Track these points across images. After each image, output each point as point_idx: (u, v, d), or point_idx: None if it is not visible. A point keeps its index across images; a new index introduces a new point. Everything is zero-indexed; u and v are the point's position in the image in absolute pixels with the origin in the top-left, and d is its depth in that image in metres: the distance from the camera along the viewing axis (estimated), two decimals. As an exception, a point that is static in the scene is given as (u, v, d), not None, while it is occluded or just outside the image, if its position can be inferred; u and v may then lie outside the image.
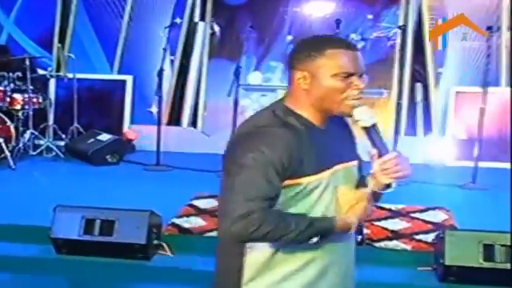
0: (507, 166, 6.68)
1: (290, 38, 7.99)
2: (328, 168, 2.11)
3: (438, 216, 4.97)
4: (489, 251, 4.03)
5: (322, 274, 2.16)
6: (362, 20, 7.86)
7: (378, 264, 4.30)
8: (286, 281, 2.14)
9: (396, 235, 4.62)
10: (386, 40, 7.76)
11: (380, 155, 2.08)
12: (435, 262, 4.17)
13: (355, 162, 2.23)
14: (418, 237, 4.59)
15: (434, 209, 5.11)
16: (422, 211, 5.07)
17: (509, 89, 6.93)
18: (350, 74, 2.06)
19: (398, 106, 6.61)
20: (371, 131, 2.09)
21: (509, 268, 3.96)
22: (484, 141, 6.23)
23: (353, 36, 7.77)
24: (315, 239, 2.04)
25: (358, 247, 2.35)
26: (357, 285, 2.31)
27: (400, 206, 5.13)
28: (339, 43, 2.10)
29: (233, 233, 1.99)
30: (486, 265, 4.01)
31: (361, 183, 2.21)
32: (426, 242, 4.48)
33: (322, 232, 2.05)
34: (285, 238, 2.00)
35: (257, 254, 2.12)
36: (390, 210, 5.08)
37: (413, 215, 5.00)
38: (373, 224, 4.80)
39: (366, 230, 4.60)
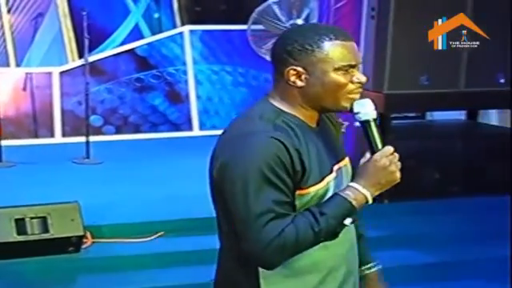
0: (28, 142, 7.13)
1: None
2: (330, 172, 1.93)
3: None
4: (21, 225, 4.35)
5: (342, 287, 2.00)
6: None
7: None
8: None
9: None
10: None
11: (378, 149, 1.89)
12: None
13: (347, 159, 2.05)
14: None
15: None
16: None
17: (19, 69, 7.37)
18: (352, 67, 1.87)
19: None
20: (373, 125, 1.91)
21: (42, 238, 4.41)
22: (3, 119, 6.54)
23: None
24: (347, 221, 1.85)
25: None
26: None
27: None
28: (335, 33, 1.88)
29: (267, 263, 1.83)
30: (20, 238, 4.33)
31: None
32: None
33: (341, 212, 1.84)
34: (314, 238, 1.81)
35: (273, 272, 1.86)
36: None
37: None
38: None
39: None
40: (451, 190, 5.57)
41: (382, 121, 5.48)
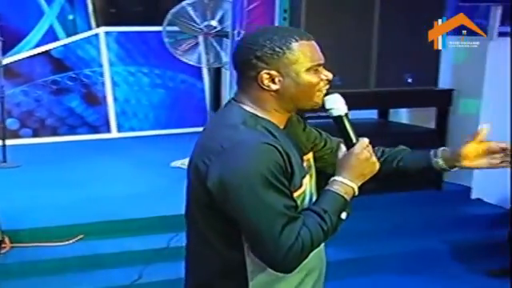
0: None
1: None
2: (306, 173, 1.98)
3: None
4: None
5: (315, 285, 2.06)
6: None
7: None
8: None
9: None
10: None
11: (353, 143, 1.96)
12: None
13: (311, 153, 2.11)
14: None
15: None
16: None
17: None
18: (320, 65, 1.93)
19: None
20: (345, 119, 1.97)
21: None
22: None
23: None
24: (344, 215, 1.89)
25: None
26: None
27: None
28: (298, 34, 1.91)
29: (288, 269, 1.82)
30: None
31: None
32: None
33: (338, 208, 1.88)
34: (324, 237, 1.85)
35: (261, 275, 1.91)
36: None
37: None
38: None
39: None
40: (366, 187, 5.73)
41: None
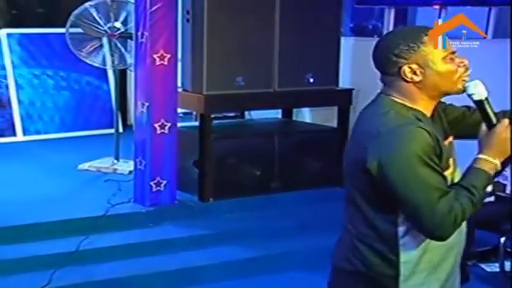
0: None
1: None
2: (449, 156, 2.16)
3: None
4: None
5: (455, 262, 2.27)
6: None
7: None
8: (436, 271, 2.18)
9: None
10: None
11: (494, 124, 2.13)
12: None
13: (451, 136, 2.27)
14: None
15: None
16: None
17: None
18: (453, 53, 2.13)
19: None
20: (486, 103, 2.15)
21: None
22: None
23: None
24: (489, 189, 2.12)
25: None
26: None
27: None
28: (424, 30, 2.11)
29: (444, 235, 2.04)
30: None
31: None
32: None
33: (484, 183, 2.09)
34: (473, 209, 2.06)
35: (410, 247, 2.13)
36: None
37: None
38: None
39: None
40: (271, 186, 5.84)
41: (204, 121, 5.65)
